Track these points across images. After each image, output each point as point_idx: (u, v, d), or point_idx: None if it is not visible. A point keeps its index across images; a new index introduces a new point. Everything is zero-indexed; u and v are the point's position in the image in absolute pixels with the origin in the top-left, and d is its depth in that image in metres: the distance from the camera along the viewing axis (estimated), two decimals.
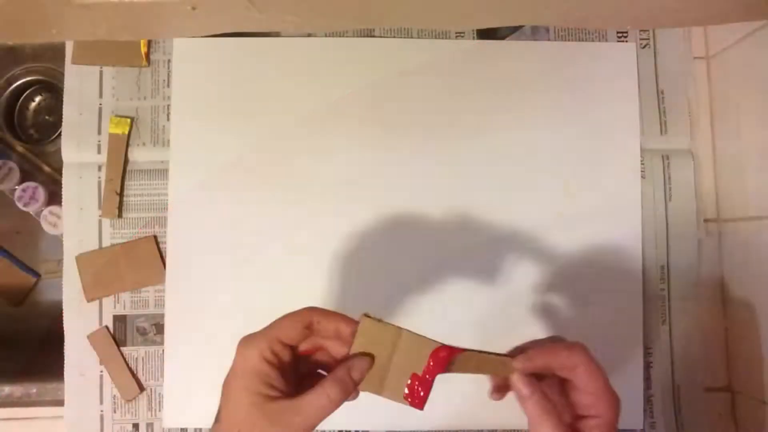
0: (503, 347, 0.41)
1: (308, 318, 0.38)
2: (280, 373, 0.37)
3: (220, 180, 0.59)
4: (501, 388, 0.42)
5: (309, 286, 0.58)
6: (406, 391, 0.38)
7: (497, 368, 0.40)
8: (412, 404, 0.38)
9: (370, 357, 0.38)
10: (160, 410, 0.57)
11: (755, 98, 0.55)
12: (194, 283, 0.58)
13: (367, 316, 0.38)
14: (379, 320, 0.38)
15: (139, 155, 0.59)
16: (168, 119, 0.59)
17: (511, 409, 0.56)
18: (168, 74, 0.60)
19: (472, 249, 0.58)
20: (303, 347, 0.39)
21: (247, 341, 0.37)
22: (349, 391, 0.37)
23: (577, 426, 0.39)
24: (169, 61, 0.60)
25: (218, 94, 0.59)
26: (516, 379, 0.39)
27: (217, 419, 0.37)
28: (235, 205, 0.58)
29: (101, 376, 0.58)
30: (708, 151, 0.60)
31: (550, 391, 0.40)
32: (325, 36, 0.60)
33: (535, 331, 0.57)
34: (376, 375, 0.38)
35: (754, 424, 0.55)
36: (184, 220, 0.58)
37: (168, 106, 0.60)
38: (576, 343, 0.40)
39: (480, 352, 0.39)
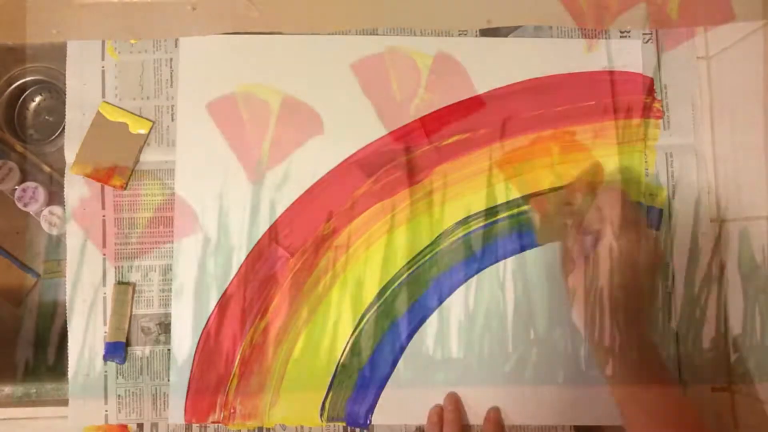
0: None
1: None
2: None
3: (227, 179, 0.59)
4: None
5: None
6: None
7: None
8: None
9: None
10: (165, 410, 0.57)
11: (755, 98, 0.55)
12: (200, 282, 0.58)
13: None
14: None
15: (143, 155, 0.59)
16: (172, 119, 0.59)
17: (514, 407, 0.57)
18: (171, 73, 0.60)
19: (472, 239, 0.59)
20: None
21: None
22: None
23: None
24: (171, 59, 0.60)
25: (223, 92, 0.59)
26: None
27: None
28: (242, 204, 0.58)
29: (105, 377, 0.58)
30: (709, 150, 0.61)
31: None
32: (330, 34, 0.60)
33: (538, 330, 0.58)
34: None
35: (755, 425, 0.56)
36: (191, 219, 0.58)
37: (172, 106, 0.59)
38: None
39: None
